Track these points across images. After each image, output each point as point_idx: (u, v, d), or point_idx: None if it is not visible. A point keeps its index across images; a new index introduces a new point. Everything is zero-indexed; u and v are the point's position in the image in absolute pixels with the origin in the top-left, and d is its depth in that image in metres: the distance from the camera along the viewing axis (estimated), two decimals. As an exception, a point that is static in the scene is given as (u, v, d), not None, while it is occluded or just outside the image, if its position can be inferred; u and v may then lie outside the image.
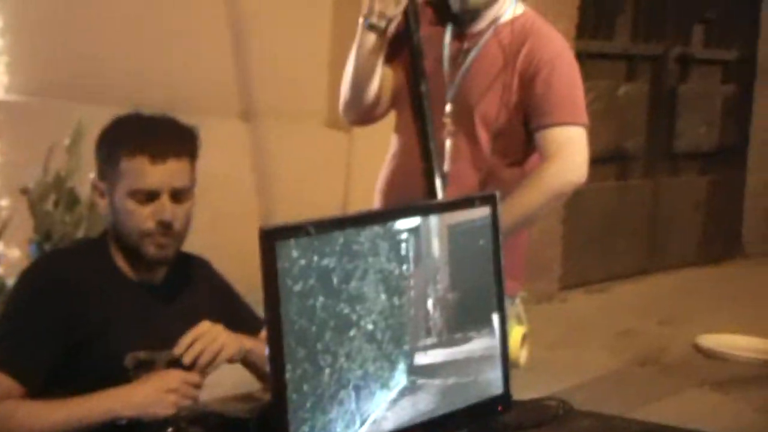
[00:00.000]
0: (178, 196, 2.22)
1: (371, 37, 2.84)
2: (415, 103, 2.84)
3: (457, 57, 2.86)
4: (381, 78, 2.93)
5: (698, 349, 5.45)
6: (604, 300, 6.28)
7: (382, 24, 2.80)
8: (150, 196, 2.19)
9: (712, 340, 5.48)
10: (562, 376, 4.54)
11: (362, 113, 3.03)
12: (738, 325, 5.68)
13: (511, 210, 2.60)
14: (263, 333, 2.25)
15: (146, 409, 2.04)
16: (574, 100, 2.84)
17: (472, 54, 2.84)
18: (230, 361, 2.21)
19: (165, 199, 2.19)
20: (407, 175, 2.88)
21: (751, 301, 6.28)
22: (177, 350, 2.11)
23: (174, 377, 2.08)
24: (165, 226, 2.20)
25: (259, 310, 1.81)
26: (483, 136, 2.84)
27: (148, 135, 2.23)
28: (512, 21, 2.85)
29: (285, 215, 1.74)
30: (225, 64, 5.98)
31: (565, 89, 2.81)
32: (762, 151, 7.51)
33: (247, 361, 2.28)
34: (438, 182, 2.76)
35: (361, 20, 2.82)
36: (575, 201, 6.03)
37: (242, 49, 5.97)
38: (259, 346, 2.23)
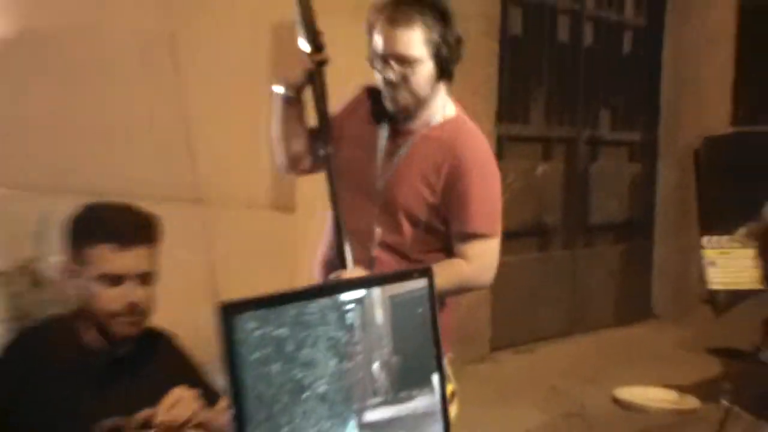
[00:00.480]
0: (144, 278, 2.24)
1: (281, 104, 2.87)
2: (328, 180, 2.80)
3: (391, 152, 2.85)
4: (305, 138, 2.94)
5: (616, 402, 5.49)
6: (532, 360, 6.31)
7: (290, 92, 2.84)
8: (117, 280, 2.20)
9: (627, 393, 5.54)
10: (499, 430, 4.54)
11: (289, 167, 3.04)
12: (649, 379, 5.75)
13: (449, 290, 2.70)
14: (220, 404, 2.27)
15: None
16: (491, 211, 2.84)
17: (402, 151, 2.84)
18: (197, 426, 2.21)
19: (131, 282, 2.21)
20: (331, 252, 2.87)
21: (660, 357, 6.40)
22: (159, 411, 2.12)
23: None
24: (132, 308, 2.22)
25: (219, 378, 1.82)
26: (406, 228, 2.83)
27: (116, 224, 2.26)
28: (443, 124, 2.85)
29: (237, 292, 1.75)
30: (178, 156, 5.98)
31: (485, 200, 2.82)
32: (666, 222, 7.66)
33: (207, 428, 2.27)
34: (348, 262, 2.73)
35: (275, 90, 2.86)
36: (503, 272, 6.09)
37: (192, 142, 5.98)
38: (216, 417, 2.24)
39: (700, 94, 7.58)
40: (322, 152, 2.81)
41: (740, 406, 4.76)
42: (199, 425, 2.24)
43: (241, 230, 5.43)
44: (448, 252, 2.87)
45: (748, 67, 8.05)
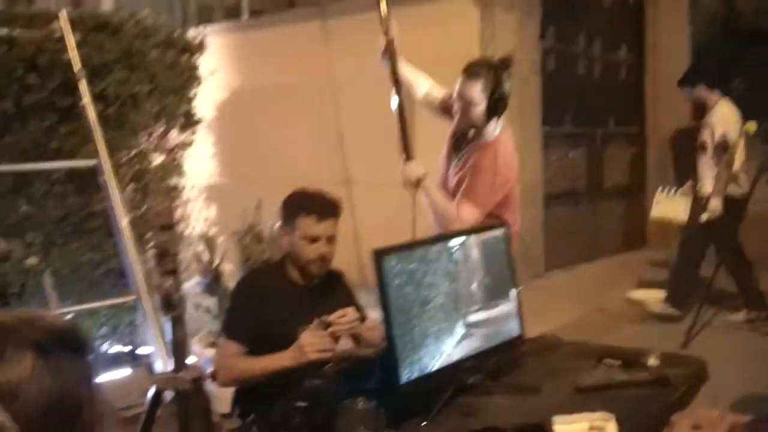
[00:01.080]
0: (330, 239, 2.27)
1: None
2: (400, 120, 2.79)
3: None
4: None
5: (628, 300, 5.36)
6: (573, 274, 6.15)
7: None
8: (315, 240, 2.25)
9: (634, 294, 5.42)
10: (552, 321, 4.45)
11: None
12: (645, 284, 5.60)
13: (440, 209, 2.69)
14: (366, 323, 2.29)
15: (298, 360, 2.07)
16: (479, 193, 2.67)
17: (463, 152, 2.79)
18: (352, 333, 2.23)
19: (322, 242, 2.26)
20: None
21: (652, 271, 6.07)
22: (333, 318, 2.14)
23: (304, 339, 2.08)
24: (322, 258, 2.26)
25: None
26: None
27: (315, 203, 2.29)
28: (485, 143, 2.73)
29: (376, 243, 1.76)
30: (336, 155, 6.08)
31: (479, 185, 2.67)
32: (653, 184, 7.34)
33: (357, 337, 2.30)
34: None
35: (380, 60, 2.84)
36: (551, 218, 6.10)
37: (345, 146, 6.08)
38: (365, 330, 2.26)
39: (670, 102, 7.36)
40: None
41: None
42: (354, 334, 2.26)
43: (375, 204, 5.46)
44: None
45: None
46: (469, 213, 2.62)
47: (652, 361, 2.01)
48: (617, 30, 7.08)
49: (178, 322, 1.93)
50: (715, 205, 4.62)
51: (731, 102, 4.84)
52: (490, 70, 2.66)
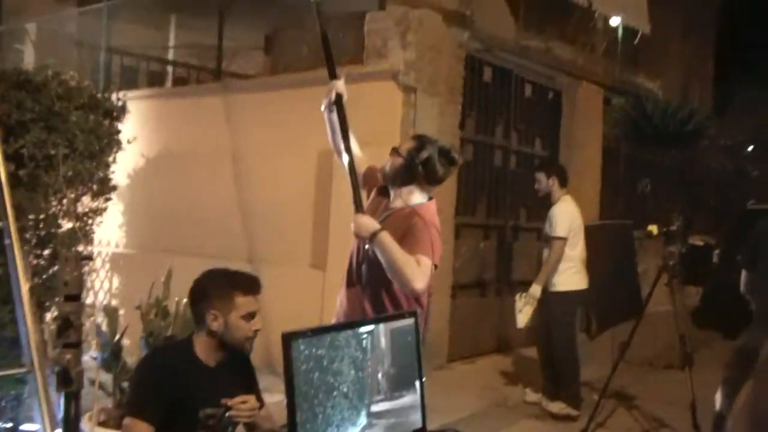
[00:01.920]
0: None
1: (326, 116, 2.88)
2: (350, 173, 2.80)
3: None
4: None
5: (525, 401, 5.29)
6: (474, 367, 6.22)
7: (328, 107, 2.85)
8: (252, 316, 2.27)
9: (533, 395, 5.29)
10: (454, 414, 4.44)
11: (338, 155, 2.98)
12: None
13: (398, 260, 2.59)
14: (262, 411, 2.29)
15: None
16: (425, 242, 2.68)
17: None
18: (251, 421, 2.23)
19: (257, 318, 2.28)
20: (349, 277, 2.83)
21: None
22: (233, 401, 2.15)
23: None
24: (255, 334, 2.29)
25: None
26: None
27: (246, 281, 2.31)
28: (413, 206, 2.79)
29: (284, 326, 1.79)
30: (247, 230, 6.01)
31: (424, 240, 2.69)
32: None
33: (255, 424, 2.29)
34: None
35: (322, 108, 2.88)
36: (456, 309, 6.11)
37: (252, 223, 6.02)
38: (262, 419, 2.28)
39: (579, 198, 7.66)
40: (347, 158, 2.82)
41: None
42: (252, 423, 2.25)
43: (282, 284, 5.39)
44: None
45: (607, 185, 8.26)
46: (426, 263, 2.61)
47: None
48: (534, 123, 7.27)
49: (72, 399, 1.86)
50: (534, 290, 4.88)
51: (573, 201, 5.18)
52: (414, 139, 2.86)
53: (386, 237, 2.59)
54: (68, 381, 1.85)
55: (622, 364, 4.70)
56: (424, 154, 2.77)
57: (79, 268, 1.91)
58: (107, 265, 6.53)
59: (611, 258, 5.55)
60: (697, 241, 4.77)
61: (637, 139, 9.60)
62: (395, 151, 2.83)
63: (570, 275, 5.00)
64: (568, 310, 5.05)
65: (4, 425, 3.57)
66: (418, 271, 2.58)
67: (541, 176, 5.18)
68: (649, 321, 4.85)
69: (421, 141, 2.85)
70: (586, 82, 7.94)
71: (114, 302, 5.74)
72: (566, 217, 5.02)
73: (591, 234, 5.34)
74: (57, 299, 1.89)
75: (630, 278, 5.70)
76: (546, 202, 5.22)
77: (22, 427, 3.49)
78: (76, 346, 1.88)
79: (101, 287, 6.44)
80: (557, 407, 4.98)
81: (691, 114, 9.70)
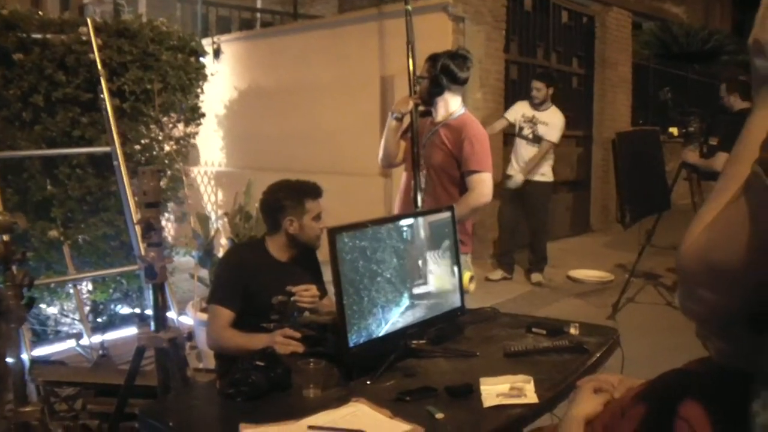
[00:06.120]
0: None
1: (393, 123, 2.76)
2: (413, 160, 2.68)
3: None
4: (397, 145, 2.83)
5: (569, 278, 5.25)
6: (523, 256, 6.04)
7: (400, 116, 2.75)
8: (319, 218, 2.20)
9: (575, 273, 5.30)
10: (495, 297, 4.37)
11: (388, 164, 2.91)
12: (587, 265, 5.51)
13: (465, 214, 2.51)
14: (324, 300, 2.20)
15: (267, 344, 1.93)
16: (483, 157, 2.58)
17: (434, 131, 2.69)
18: (313, 307, 2.14)
19: (322, 219, 2.22)
20: (407, 194, 2.72)
21: (594, 253, 6.13)
22: (297, 288, 2.09)
23: (278, 337, 1.87)
24: (323, 231, 2.18)
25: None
26: (435, 176, 2.65)
27: (311, 188, 2.23)
28: (457, 118, 2.67)
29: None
30: (328, 150, 5.93)
31: (479, 151, 2.58)
32: (596, 178, 7.36)
33: (315, 310, 2.19)
34: (419, 198, 2.64)
35: (390, 114, 2.77)
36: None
37: (335, 142, 5.92)
38: (322, 306, 2.19)
39: (614, 109, 7.40)
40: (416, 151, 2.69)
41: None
42: (313, 309, 2.16)
43: (358, 188, 5.35)
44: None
45: (638, 97, 7.95)
46: (487, 178, 2.57)
47: (573, 331, 1.93)
48: (571, 45, 7.03)
49: (159, 289, 1.82)
50: (518, 178, 4.91)
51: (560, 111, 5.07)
52: (427, 60, 2.71)
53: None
54: (153, 275, 1.80)
55: (649, 249, 4.58)
56: (439, 65, 2.68)
57: (156, 180, 1.82)
58: (212, 181, 6.61)
59: (641, 160, 5.25)
60: (714, 141, 4.41)
61: (665, 58, 9.33)
62: (418, 79, 2.73)
63: (549, 168, 5.05)
64: (549, 196, 5.18)
65: (132, 310, 3.70)
66: (484, 191, 2.56)
67: (540, 85, 5.04)
68: (674, 212, 4.68)
69: (433, 57, 2.72)
70: (617, 8, 7.45)
71: (219, 211, 5.84)
72: (562, 126, 4.99)
73: (623, 139, 5.00)
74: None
75: (658, 177, 5.39)
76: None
77: (145, 312, 3.61)
78: (158, 245, 1.81)
79: (208, 200, 6.55)
80: (536, 278, 5.10)
81: (710, 34, 9.18)
